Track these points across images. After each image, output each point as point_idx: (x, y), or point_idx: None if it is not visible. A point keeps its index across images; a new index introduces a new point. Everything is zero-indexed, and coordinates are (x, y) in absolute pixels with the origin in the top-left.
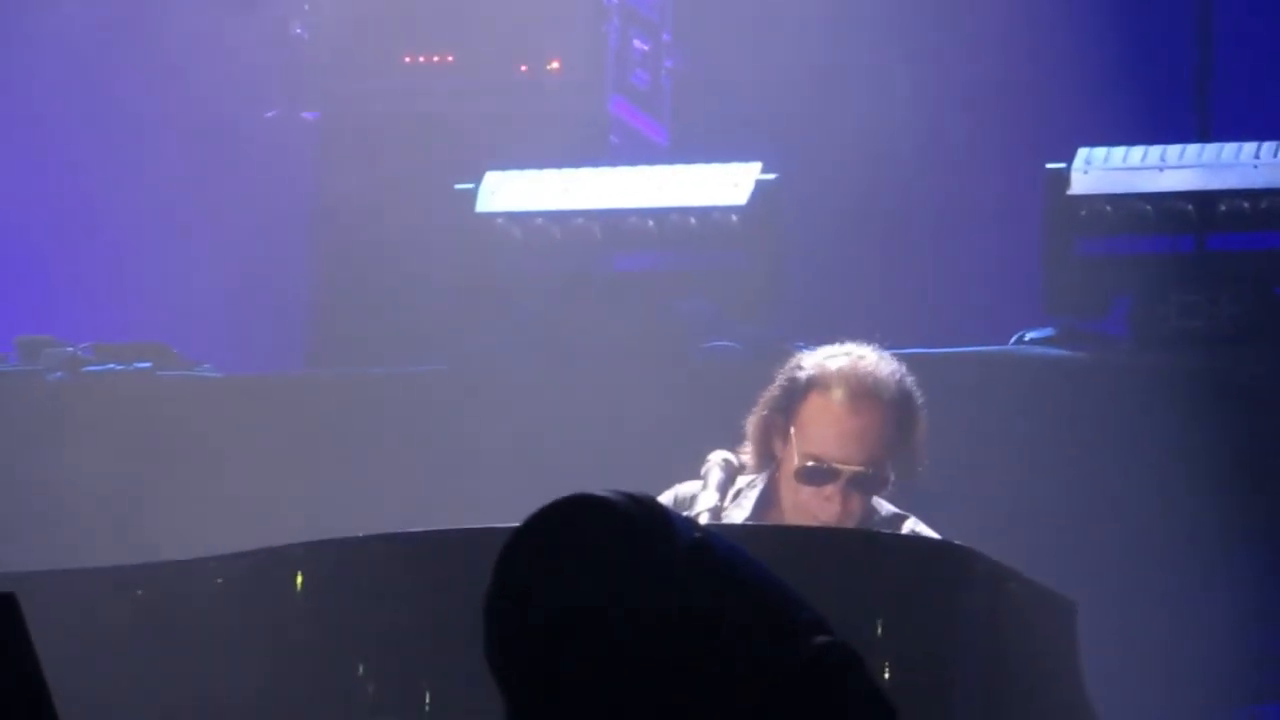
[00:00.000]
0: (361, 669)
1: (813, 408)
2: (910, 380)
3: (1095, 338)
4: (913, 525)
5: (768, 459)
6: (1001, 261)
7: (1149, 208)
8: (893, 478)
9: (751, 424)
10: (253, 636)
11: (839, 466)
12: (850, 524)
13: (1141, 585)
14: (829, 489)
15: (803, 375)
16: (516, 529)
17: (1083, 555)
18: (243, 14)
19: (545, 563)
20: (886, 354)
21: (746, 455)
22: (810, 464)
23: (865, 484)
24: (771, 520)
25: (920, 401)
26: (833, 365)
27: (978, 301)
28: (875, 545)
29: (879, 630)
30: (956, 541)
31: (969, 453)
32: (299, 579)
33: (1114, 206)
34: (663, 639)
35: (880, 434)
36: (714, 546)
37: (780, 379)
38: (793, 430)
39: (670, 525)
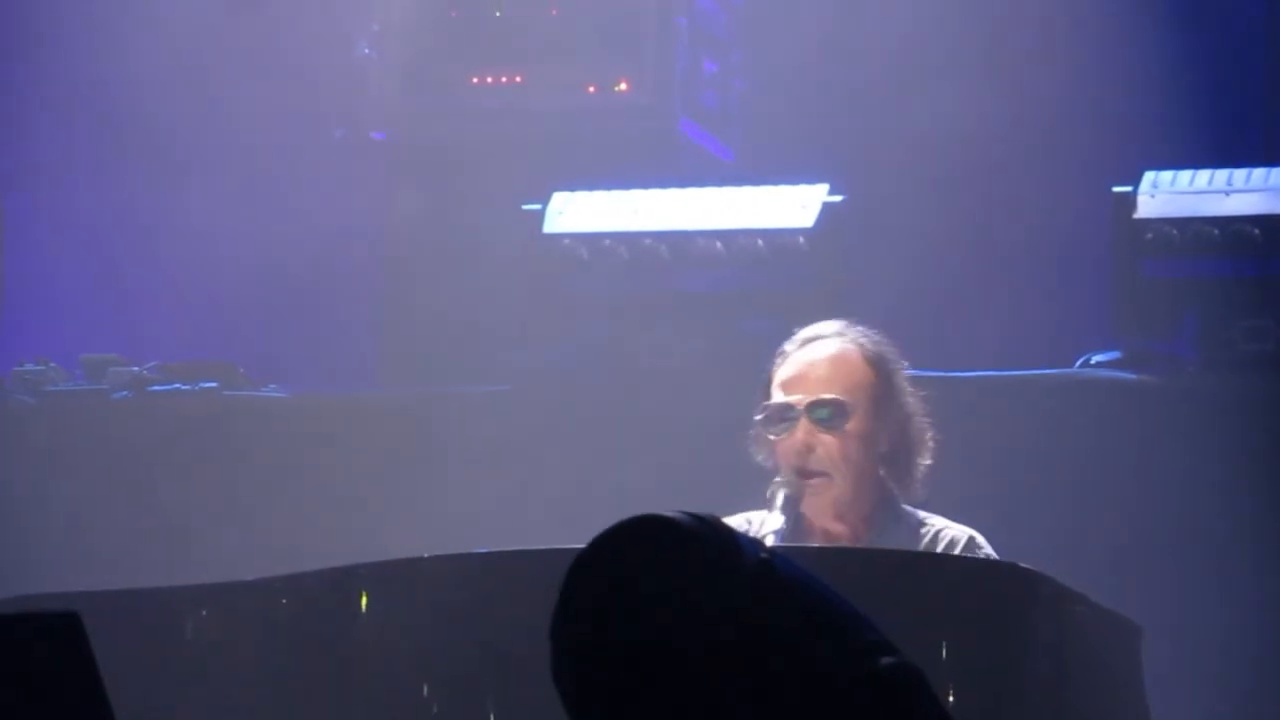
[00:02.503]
0: (426, 689)
1: (772, 379)
2: (875, 334)
3: (1161, 360)
4: (975, 545)
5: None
6: (1068, 284)
7: (1215, 231)
8: (870, 428)
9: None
10: (317, 656)
11: (791, 400)
12: (827, 461)
13: (1207, 608)
14: (796, 432)
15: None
16: (582, 549)
17: (1148, 578)
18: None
19: (611, 583)
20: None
21: None
22: (766, 410)
23: (823, 413)
24: (800, 527)
25: (881, 346)
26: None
27: (1044, 324)
28: (939, 566)
29: (943, 652)
30: (1021, 563)
31: (1034, 474)
32: (364, 599)
33: (1180, 230)
34: (728, 659)
35: (829, 370)
36: (780, 567)
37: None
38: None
39: (736, 545)
